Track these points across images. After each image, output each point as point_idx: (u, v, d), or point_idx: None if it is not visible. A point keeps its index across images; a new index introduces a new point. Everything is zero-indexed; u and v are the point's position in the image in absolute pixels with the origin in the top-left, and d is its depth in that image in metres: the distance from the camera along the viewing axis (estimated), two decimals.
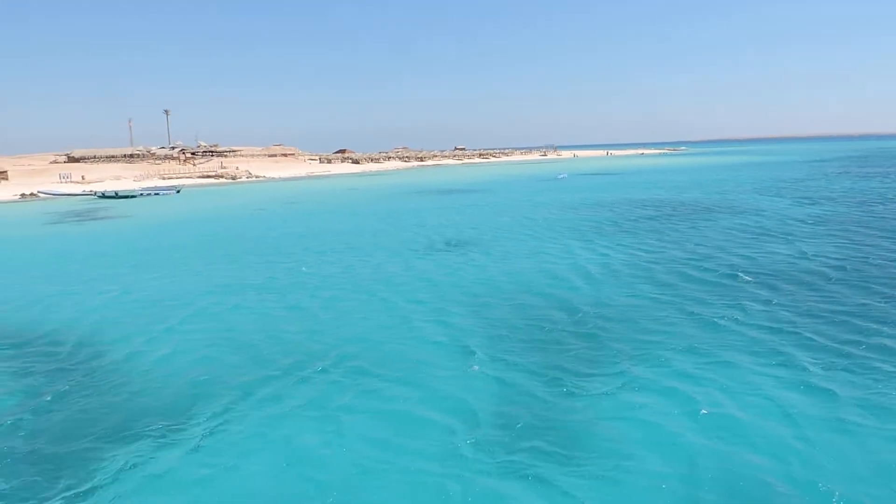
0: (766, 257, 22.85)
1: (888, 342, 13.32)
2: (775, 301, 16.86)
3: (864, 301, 16.50)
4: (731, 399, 10.92)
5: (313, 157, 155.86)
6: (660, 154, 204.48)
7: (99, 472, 9.23)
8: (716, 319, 15.42)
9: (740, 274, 20.11)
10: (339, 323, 16.43)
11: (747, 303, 16.78)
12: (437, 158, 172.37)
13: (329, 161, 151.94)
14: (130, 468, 9.30)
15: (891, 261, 21.36)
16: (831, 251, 23.48)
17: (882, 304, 16.12)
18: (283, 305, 18.41)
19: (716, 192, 51.50)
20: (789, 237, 27.24)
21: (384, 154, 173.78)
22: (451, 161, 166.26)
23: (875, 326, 14.38)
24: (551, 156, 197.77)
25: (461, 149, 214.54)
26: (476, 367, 12.81)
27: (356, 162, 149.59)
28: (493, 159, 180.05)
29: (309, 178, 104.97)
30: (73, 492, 8.75)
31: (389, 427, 10.38)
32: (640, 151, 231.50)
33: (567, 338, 14.51)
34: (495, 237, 30.46)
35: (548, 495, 8.34)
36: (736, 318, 15.41)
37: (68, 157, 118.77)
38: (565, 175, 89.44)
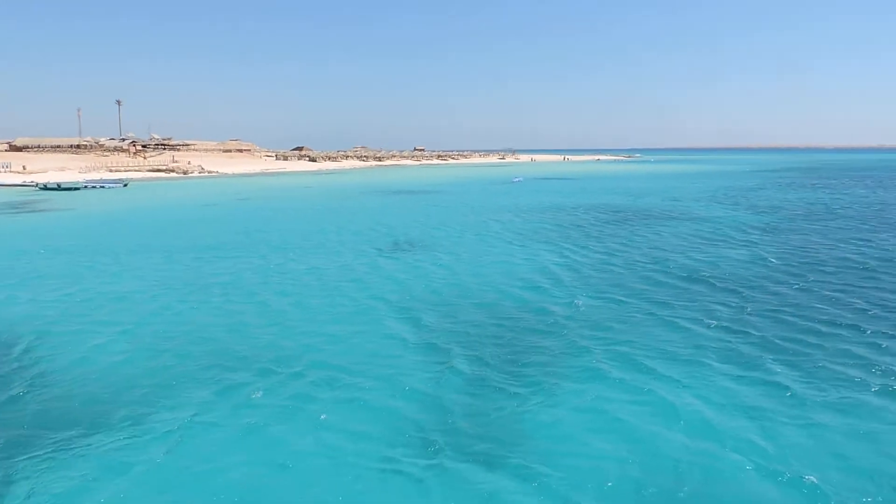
0: (724, 262, 22.99)
1: (840, 343, 13.37)
2: (735, 304, 16.86)
3: (818, 304, 16.61)
4: (691, 397, 10.72)
5: (269, 154, 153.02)
6: (615, 160, 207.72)
7: (54, 477, 8.43)
8: (677, 320, 15.32)
9: (700, 277, 20.13)
10: (303, 320, 15.80)
11: (709, 305, 16.74)
12: (395, 159, 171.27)
13: (286, 158, 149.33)
14: (87, 473, 8.52)
15: (843, 268, 21.69)
16: (787, 257, 23.75)
17: (836, 308, 16.24)
18: (246, 303, 17.62)
19: (671, 199, 52.20)
20: (747, 244, 27.58)
21: (342, 153, 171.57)
22: (409, 162, 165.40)
23: (827, 328, 14.47)
24: (510, 159, 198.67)
25: (420, 150, 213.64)
26: (440, 365, 12.43)
27: (313, 160, 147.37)
28: (451, 161, 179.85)
29: (263, 174, 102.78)
30: (31, 496, 7.95)
31: (357, 423, 10.05)
32: (596, 157, 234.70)
33: (529, 337, 14.19)
34: (454, 238, 30.01)
35: (500, 489, 8.23)
36: (697, 319, 15.33)
37: (10, 146, 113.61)
38: (521, 178, 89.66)
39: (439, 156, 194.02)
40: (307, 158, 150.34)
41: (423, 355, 13.26)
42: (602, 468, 8.70)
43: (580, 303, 17.24)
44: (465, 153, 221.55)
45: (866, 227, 32.96)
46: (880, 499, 7.87)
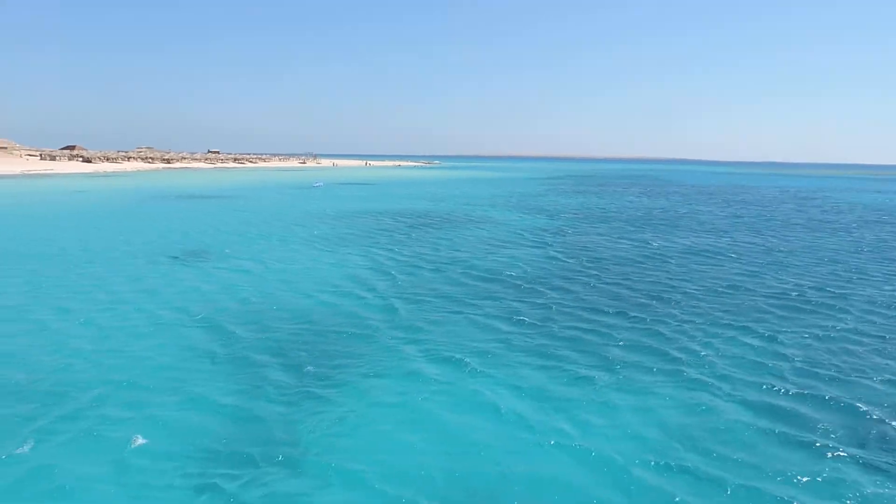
0: (524, 262, 24.71)
1: (626, 329, 15.04)
2: (536, 300, 18.15)
3: (605, 296, 18.53)
4: (503, 390, 11.31)
5: (33, 153, 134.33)
6: (415, 166, 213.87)
7: None
8: (485, 319, 16.09)
9: (503, 277, 21.43)
10: (91, 340, 13.88)
11: (513, 302, 17.85)
12: (186, 161, 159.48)
13: (53, 158, 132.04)
14: None
15: (621, 262, 24.47)
16: (576, 255, 26.20)
17: (620, 299, 18.26)
18: (14, 323, 15.06)
19: (469, 204, 55.00)
20: (541, 245, 29.94)
21: (123, 154, 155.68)
22: (203, 165, 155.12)
23: (614, 318, 16.20)
24: (311, 164, 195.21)
25: (215, 152, 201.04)
26: (252, 376, 11.75)
27: (88, 161, 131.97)
28: (249, 165, 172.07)
29: (24, 176, 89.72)
30: None
31: (163, 445, 9.13)
32: (397, 163, 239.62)
33: (343, 342, 13.98)
34: (257, 245, 28.68)
35: (321, 495, 8.16)
36: (503, 317, 16.25)
37: None
38: (321, 184, 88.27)
39: (236, 159, 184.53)
40: (80, 159, 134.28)
41: (233, 368, 12.43)
42: (423, 465, 8.85)
43: (392, 306, 17.38)
44: (265, 157, 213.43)
45: (633, 227, 37.62)
46: (672, 462, 8.95)
